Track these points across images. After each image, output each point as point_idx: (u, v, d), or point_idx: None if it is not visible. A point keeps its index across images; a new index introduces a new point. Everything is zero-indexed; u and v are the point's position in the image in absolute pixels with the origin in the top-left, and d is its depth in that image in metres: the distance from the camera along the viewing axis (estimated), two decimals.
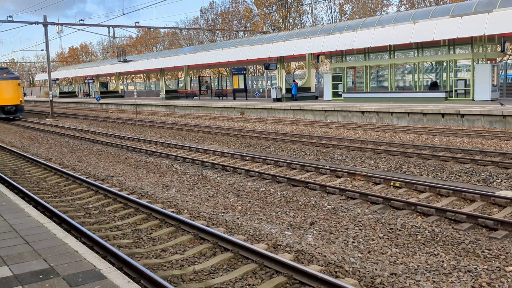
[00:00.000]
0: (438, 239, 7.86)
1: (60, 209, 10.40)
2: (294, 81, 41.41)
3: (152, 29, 65.82)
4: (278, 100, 38.58)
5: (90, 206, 11.06)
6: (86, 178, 14.00)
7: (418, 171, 13.25)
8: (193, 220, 9.17)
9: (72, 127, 31.70)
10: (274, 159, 15.32)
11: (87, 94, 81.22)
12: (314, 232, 8.47)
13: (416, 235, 8.09)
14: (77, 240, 7.14)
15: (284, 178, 12.43)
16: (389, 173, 13.43)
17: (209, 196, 11.50)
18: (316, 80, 45.73)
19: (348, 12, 60.13)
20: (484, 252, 7.23)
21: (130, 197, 11.00)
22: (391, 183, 11.50)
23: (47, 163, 16.59)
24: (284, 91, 39.25)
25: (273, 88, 39.10)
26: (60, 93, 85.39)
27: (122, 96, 73.52)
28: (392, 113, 25.67)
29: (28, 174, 15.44)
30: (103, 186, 12.40)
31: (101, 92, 70.76)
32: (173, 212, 9.88)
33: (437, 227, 8.39)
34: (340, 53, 36.81)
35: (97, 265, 5.77)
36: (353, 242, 7.86)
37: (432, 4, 50.86)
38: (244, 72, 46.14)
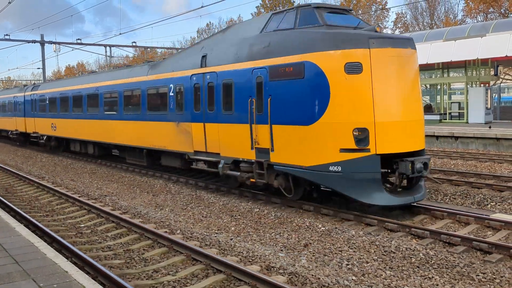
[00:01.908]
0: (432, 262, 7.80)
1: (51, 228, 10.27)
2: None
3: (149, 49, 66.40)
4: None
5: (82, 225, 10.94)
6: (79, 197, 13.89)
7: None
8: (186, 241, 9.07)
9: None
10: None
11: None
12: (308, 254, 8.39)
13: (411, 257, 8.03)
14: (67, 260, 7.05)
15: (278, 199, 12.38)
16: None
17: (202, 217, 11.41)
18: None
19: None
20: (478, 275, 7.18)
21: (123, 216, 10.90)
22: None
23: (39, 182, 16.48)
24: None
25: None
26: None
27: None
28: None
29: (20, 193, 15.30)
30: (96, 205, 12.30)
31: None
32: (166, 232, 9.78)
33: (431, 250, 8.33)
34: None
35: (87, 286, 5.69)
36: (347, 265, 7.78)
37: (426, 28, 51.63)
38: None
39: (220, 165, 12.89)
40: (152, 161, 17.68)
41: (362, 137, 9.93)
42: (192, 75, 14.16)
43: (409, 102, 10.49)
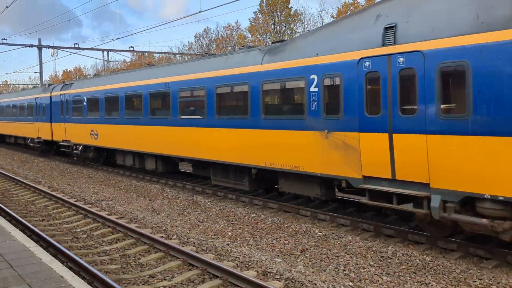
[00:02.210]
0: (429, 267, 7.80)
1: (47, 233, 10.23)
2: None
3: (146, 53, 66.45)
4: None
5: (78, 230, 10.90)
6: (75, 201, 13.85)
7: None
8: (182, 246, 9.05)
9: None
10: None
11: None
12: (305, 259, 8.38)
13: (407, 263, 8.02)
14: (63, 265, 7.01)
15: (275, 204, 12.36)
16: None
17: (199, 222, 11.38)
18: None
19: None
20: (475, 281, 7.18)
21: (119, 221, 10.87)
22: None
23: (36, 186, 16.42)
24: None
25: None
26: None
27: None
28: None
29: (16, 197, 15.24)
30: (92, 210, 12.27)
31: None
32: (162, 237, 9.75)
33: (428, 256, 8.33)
34: None
35: None
36: (344, 270, 7.77)
37: None
38: None
39: (435, 204, 8.09)
40: (259, 184, 13.33)
41: None
42: (363, 58, 9.31)
43: None
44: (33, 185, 16.73)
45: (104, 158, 21.92)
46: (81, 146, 22.27)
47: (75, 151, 22.89)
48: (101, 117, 19.93)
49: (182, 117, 14.89)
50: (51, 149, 27.34)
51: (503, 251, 8.04)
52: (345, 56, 9.77)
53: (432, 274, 7.54)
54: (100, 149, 21.45)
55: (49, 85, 27.96)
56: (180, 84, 15.00)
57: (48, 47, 42.75)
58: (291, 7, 55.56)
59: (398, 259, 8.24)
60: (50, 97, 25.78)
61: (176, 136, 15.14)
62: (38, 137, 27.64)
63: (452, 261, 8.07)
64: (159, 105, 16.34)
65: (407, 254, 8.41)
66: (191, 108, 14.82)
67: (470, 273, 7.51)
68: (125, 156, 19.24)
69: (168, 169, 17.15)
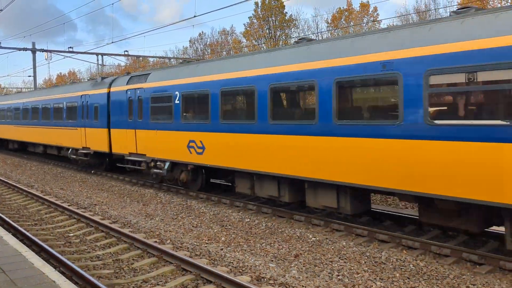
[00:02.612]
0: (422, 273, 7.81)
1: (39, 237, 10.16)
2: None
3: (141, 57, 66.43)
4: None
5: (71, 234, 10.84)
6: (68, 206, 13.77)
7: (404, 204, 13.26)
8: (176, 251, 9.01)
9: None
10: None
11: None
12: (299, 264, 8.36)
13: (401, 268, 8.03)
14: (55, 269, 6.97)
15: (269, 209, 12.34)
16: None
17: (193, 226, 11.35)
18: None
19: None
20: (468, 287, 7.19)
21: (112, 226, 10.82)
22: None
23: (29, 190, 16.33)
24: None
25: None
26: None
27: None
28: None
29: (9, 201, 15.14)
30: (85, 214, 12.20)
31: None
32: (155, 242, 9.71)
33: (421, 261, 8.34)
34: None
35: None
36: (338, 276, 7.77)
37: None
38: None
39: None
40: None
41: None
42: None
43: None
44: (25, 189, 16.64)
45: (203, 181, 15.17)
46: (167, 163, 15.48)
47: (155, 170, 16.03)
48: (216, 121, 13.25)
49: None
50: (103, 163, 21.09)
51: (497, 257, 8.06)
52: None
53: (425, 279, 7.55)
54: (204, 168, 14.89)
55: (102, 78, 21.13)
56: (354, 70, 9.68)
57: (42, 50, 42.64)
58: (286, 13, 55.77)
59: (392, 264, 8.24)
60: (108, 93, 19.17)
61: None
62: (85, 147, 20.83)
63: (445, 267, 8.08)
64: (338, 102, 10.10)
65: (400, 260, 8.42)
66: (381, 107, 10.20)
67: (464, 278, 7.53)
68: (262, 182, 12.44)
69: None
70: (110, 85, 19.35)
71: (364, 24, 55.59)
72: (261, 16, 57.37)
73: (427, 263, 8.27)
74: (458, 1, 51.42)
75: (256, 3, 57.73)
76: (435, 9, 55.54)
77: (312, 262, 8.48)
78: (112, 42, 52.13)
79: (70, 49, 41.34)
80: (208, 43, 73.56)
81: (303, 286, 7.19)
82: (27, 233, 9.95)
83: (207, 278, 7.51)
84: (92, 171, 21.25)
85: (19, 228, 10.47)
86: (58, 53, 42.47)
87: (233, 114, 13.45)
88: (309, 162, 10.57)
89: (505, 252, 8.26)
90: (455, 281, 7.40)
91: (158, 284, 7.47)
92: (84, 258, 8.95)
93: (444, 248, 8.74)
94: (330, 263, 8.42)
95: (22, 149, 31.68)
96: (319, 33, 61.72)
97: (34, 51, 41.29)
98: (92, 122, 20.18)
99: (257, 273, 7.86)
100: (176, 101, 14.92)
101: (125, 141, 17.68)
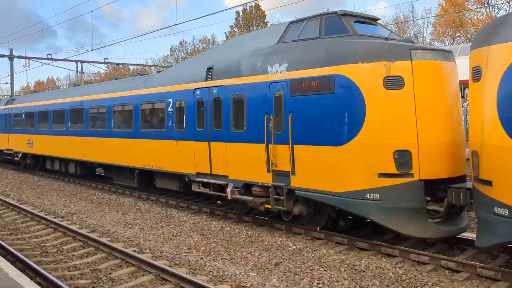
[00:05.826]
0: (402, 280, 7.86)
1: (15, 247, 9.94)
2: None
3: (121, 65, 65.94)
4: None
5: (48, 244, 10.64)
6: (45, 215, 13.53)
7: None
8: (155, 260, 8.91)
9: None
10: None
11: None
12: (279, 273, 8.34)
13: (381, 276, 8.07)
14: (31, 280, 6.83)
15: (250, 217, 12.32)
16: None
17: (172, 235, 11.25)
18: None
19: None
20: None
21: (90, 235, 10.66)
22: None
23: (4, 199, 16.01)
24: None
25: None
26: None
27: None
28: None
29: None
30: (63, 223, 12.01)
31: None
32: (134, 251, 9.59)
33: (401, 269, 8.40)
34: None
35: None
36: (318, 284, 7.77)
37: None
38: None
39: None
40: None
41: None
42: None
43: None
44: (1, 198, 16.30)
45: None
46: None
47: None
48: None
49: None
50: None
51: (474, 264, 8.17)
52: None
53: (404, 287, 7.60)
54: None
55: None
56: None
57: (20, 57, 42.07)
58: (267, 22, 56.01)
59: (372, 272, 8.28)
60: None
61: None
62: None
63: (424, 274, 8.15)
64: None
65: (380, 267, 8.47)
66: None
67: (442, 285, 7.60)
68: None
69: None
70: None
71: None
72: (242, 25, 57.52)
73: (406, 270, 8.33)
74: (436, 12, 52.51)
75: (238, 12, 57.86)
76: (413, 20, 56.46)
77: (293, 270, 8.47)
78: (92, 50, 51.70)
79: (49, 56, 40.84)
80: (189, 51, 73.49)
81: None
82: (3, 243, 9.73)
83: (186, 287, 7.43)
84: None
85: None
86: (37, 60, 41.94)
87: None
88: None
89: (483, 259, 8.38)
90: None
91: None
92: (61, 268, 8.78)
93: (422, 255, 8.82)
94: (311, 271, 8.42)
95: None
96: None
97: (11, 57, 40.69)
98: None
99: (237, 282, 7.81)
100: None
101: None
